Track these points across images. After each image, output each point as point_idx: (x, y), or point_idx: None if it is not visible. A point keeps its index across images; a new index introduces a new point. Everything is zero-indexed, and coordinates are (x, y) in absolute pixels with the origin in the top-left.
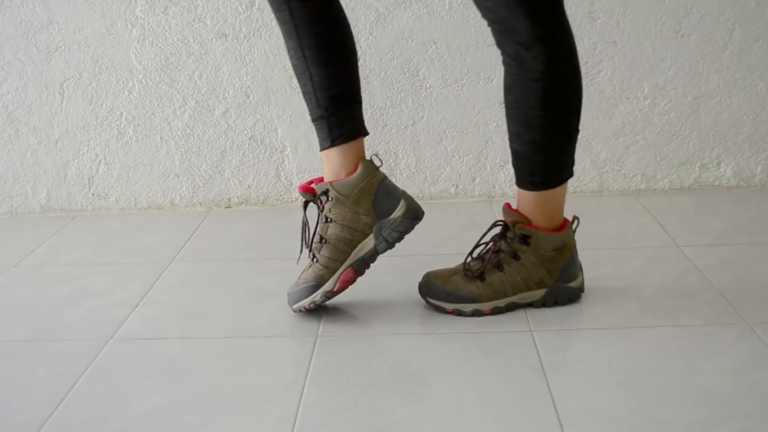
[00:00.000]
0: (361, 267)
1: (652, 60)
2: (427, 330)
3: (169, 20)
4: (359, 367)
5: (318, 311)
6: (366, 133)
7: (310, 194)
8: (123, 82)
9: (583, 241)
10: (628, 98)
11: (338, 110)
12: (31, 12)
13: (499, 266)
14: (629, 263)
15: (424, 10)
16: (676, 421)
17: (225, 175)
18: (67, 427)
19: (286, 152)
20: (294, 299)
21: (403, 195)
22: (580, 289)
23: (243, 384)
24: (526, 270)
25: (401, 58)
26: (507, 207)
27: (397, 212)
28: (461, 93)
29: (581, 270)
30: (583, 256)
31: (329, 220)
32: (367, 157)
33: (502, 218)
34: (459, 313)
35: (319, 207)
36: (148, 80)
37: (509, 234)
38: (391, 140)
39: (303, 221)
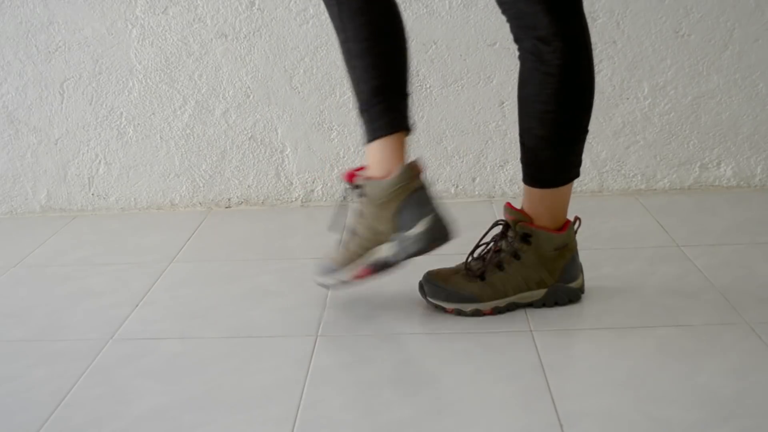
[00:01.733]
0: (378, 269)
1: (652, 60)
2: (427, 330)
3: (169, 20)
4: (359, 367)
5: (318, 311)
6: (408, 128)
7: (350, 183)
8: (123, 82)
9: (584, 241)
10: (628, 98)
11: (379, 102)
12: (31, 12)
13: (499, 266)
14: (629, 263)
15: (424, 10)
16: (676, 421)
17: (225, 175)
18: (67, 427)
19: (286, 152)
20: (318, 271)
21: (433, 212)
22: (580, 290)
23: (243, 384)
24: (527, 270)
25: None
26: (509, 206)
27: (416, 229)
28: (461, 93)
29: (581, 271)
30: (583, 256)
31: (361, 214)
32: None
33: (503, 218)
34: (459, 312)
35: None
36: (148, 80)
37: (510, 233)
38: None
39: (341, 205)
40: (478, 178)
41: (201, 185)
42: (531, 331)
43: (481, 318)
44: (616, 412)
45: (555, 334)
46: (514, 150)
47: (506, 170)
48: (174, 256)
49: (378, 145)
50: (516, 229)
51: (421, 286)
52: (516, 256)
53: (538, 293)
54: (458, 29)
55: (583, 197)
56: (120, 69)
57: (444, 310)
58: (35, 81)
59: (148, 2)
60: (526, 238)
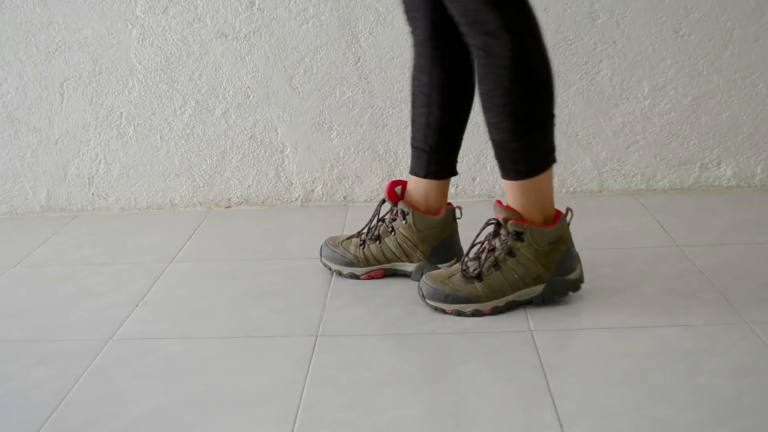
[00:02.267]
0: (391, 273)
1: (652, 60)
2: (427, 330)
3: (169, 20)
4: (359, 367)
5: (318, 311)
6: (455, 174)
7: (392, 202)
8: (123, 82)
9: (584, 241)
10: (628, 98)
11: (441, 151)
12: (31, 12)
13: (495, 265)
14: (629, 263)
15: None
16: (676, 421)
17: (225, 175)
18: (67, 427)
19: (286, 152)
20: (326, 255)
21: (459, 254)
22: (580, 280)
23: (243, 384)
24: (523, 267)
25: (401, 58)
26: (498, 204)
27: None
28: None
29: (579, 261)
30: (584, 256)
31: (393, 232)
32: (453, 204)
33: (494, 216)
34: (459, 313)
35: (392, 212)
36: (148, 80)
37: (503, 232)
38: (391, 140)
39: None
40: (478, 178)
41: (201, 185)
42: (531, 331)
43: (480, 318)
44: (616, 412)
45: (555, 334)
46: None
47: None
48: (174, 256)
49: (428, 182)
50: (508, 227)
51: (419, 288)
52: (511, 253)
53: (536, 289)
54: None
55: (583, 197)
56: (120, 69)
57: (444, 312)
58: (35, 81)
59: (148, 2)
60: (518, 235)
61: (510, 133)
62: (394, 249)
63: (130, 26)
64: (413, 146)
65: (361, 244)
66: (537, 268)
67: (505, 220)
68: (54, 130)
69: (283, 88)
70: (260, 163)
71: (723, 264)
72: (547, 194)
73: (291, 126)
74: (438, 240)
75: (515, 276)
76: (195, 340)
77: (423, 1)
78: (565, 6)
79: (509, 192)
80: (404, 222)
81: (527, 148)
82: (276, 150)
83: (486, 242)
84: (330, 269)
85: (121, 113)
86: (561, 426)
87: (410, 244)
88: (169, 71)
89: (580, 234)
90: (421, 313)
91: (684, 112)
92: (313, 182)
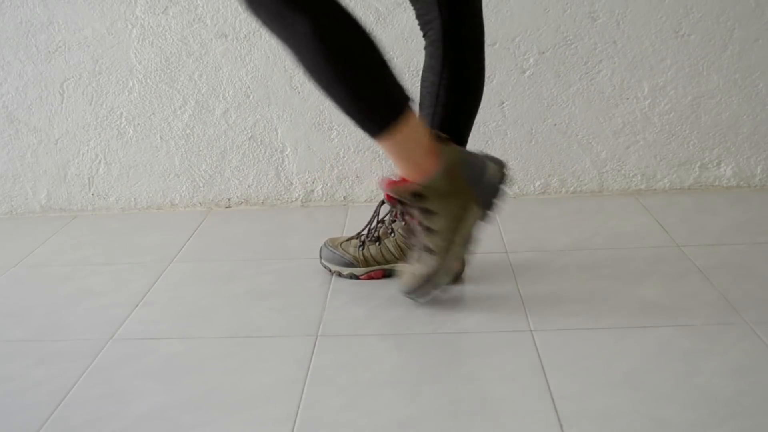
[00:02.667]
0: (391, 274)
1: (652, 60)
2: (427, 330)
3: (169, 20)
4: (359, 367)
5: (318, 311)
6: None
7: (391, 203)
8: (123, 82)
9: (583, 241)
10: (628, 98)
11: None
12: (31, 12)
13: (428, 230)
14: (629, 263)
15: None
16: (676, 421)
17: (225, 175)
18: (67, 427)
19: (286, 152)
20: (325, 256)
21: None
22: (500, 172)
23: (243, 384)
24: (448, 212)
25: (401, 58)
26: (388, 186)
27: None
28: None
29: (486, 158)
30: (584, 256)
31: (393, 233)
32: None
33: (388, 197)
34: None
35: (391, 213)
36: (148, 80)
37: (405, 205)
38: None
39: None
40: None
41: (201, 185)
42: (531, 331)
43: (480, 318)
44: (616, 412)
45: (555, 334)
46: (514, 150)
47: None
48: (174, 256)
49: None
50: (405, 197)
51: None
52: (428, 212)
53: (475, 212)
54: None
55: (583, 197)
56: (120, 69)
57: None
58: (35, 81)
59: (148, 2)
60: (416, 195)
61: (345, 97)
62: (393, 250)
63: (130, 26)
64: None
65: (360, 245)
66: (457, 201)
67: (398, 194)
68: (54, 130)
69: (283, 88)
70: (260, 163)
71: (723, 264)
72: (415, 149)
73: (291, 126)
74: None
75: (450, 221)
76: (195, 340)
77: (435, 2)
78: (565, 6)
79: (389, 153)
80: (404, 223)
81: (367, 105)
82: (276, 150)
83: (388, 217)
84: (330, 271)
85: (121, 113)
86: (561, 426)
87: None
88: (169, 71)
89: (580, 234)
90: (421, 313)
91: (684, 112)
92: (313, 182)
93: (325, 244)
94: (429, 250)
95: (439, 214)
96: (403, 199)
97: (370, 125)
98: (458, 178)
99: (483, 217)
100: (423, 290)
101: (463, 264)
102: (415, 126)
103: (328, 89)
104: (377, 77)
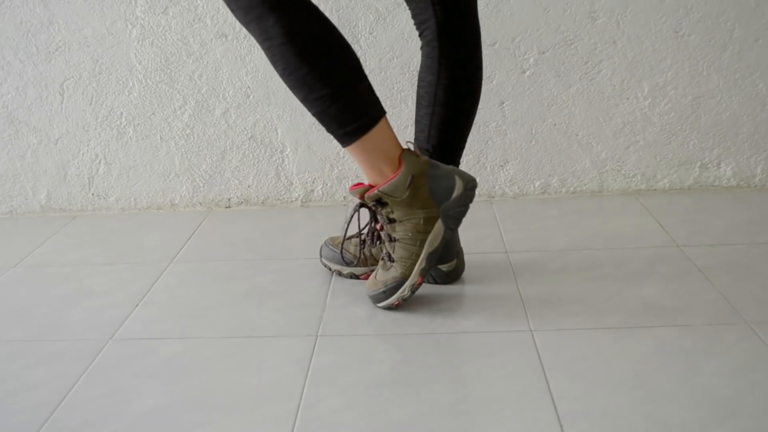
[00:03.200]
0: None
1: (652, 60)
2: (427, 330)
3: (169, 20)
4: (359, 367)
5: (318, 311)
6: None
7: (368, 200)
8: (123, 82)
9: (583, 241)
10: (628, 98)
11: (443, 151)
12: (31, 12)
13: (390, 239)
14: (629, 263)
15: None
16: (676, 421)
17: (225, 175)
18: (67, 427)
19: (286, 152)
20: (326, 255)
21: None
22: (468, 190)
23: (243, 384)
24: (410, 223)
25: (401, 58)
26: (351, 189)
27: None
28: None
29: (453, 174)
30: (584, 256)
31: (393, 221)
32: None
33: (357, 204)
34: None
35: None
36: (148, 80)
37: (370, 210)
38: None
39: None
40: (478, 178)
41: (201, 185)
42: (531, 331)
43: (480, 318)
44: (616, 412)
45: (555, 334)
46: (514, 150)
47: (506, 170)
48: (174, 256)
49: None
50: (368, 202)
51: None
52: (391, 220)
53: (437, 228)
54: None
55: (583, 197)
56: (120, 69)
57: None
58: (35, 81)
59: (148, 2)
60: (379, 202)
61: (326, 100)
62: None
63: (130, 26)
64: (416, 147)
65: (360, 245)
66: (420, 214)
67: (361, 196)
68: (54, 130)
69: (283, 88)
70: (260, 163)
71: (723, 264)
72: (381, 156)
73: (291, 126)
74: None
75: (409, 234)
76: (195, 340)
77: (430, 1)
78: (565, 6)
79: (356, 157)
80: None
81: (346, 107)
82: (276, 150)
83: (368, 230)
84: (330, 269)
85: (121, 113)
86: (561, 426)
87: None
88: (169, 71)
89: (580, 234)
90: (421, 313)
91: (684, 112)
92: (313, 182)
93: (325, 242)
94: (390, 258)
95: (402, 222)
96: (367, 203)
97: (336, 129)
98: (422, 190)
99: (448, 234)
100: (381, 298)
101: (462, 264)
102: (383, 133)
103: (298, 91)
104: (347, 85)
